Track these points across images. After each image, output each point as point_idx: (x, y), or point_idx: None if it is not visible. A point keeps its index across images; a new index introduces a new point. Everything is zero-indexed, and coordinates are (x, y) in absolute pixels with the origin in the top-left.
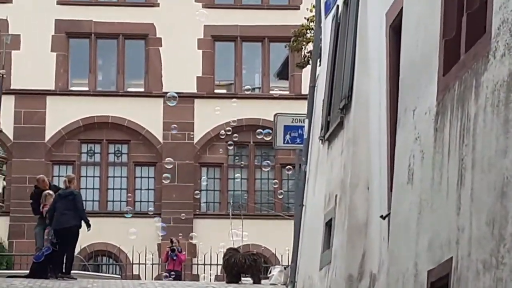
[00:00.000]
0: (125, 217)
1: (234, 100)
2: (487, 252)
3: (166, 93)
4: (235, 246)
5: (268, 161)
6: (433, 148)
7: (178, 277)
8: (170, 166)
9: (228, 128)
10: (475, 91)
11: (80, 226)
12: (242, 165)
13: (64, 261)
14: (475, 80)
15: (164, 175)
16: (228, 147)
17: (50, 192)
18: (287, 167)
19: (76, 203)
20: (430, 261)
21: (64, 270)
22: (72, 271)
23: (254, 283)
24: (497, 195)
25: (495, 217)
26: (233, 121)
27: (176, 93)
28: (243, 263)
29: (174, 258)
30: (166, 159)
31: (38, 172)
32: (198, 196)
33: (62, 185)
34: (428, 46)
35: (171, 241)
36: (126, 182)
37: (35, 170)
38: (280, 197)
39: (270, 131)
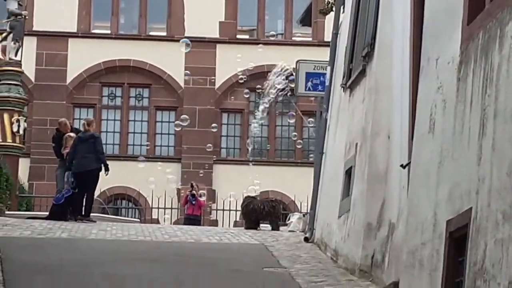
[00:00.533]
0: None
1: (260, 45)
2: (507, 203)
3: (188, 37)
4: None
5: (293, 112)
6: (455, 98)
7: (197, 222)
8: (185, 123)
9: (240, 71)
10: (499, 41)
11: (100, 169)
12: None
13: (84, 204)
14: (499, 29)
15: (176, 122)
16: (245, 95)
17: (71, 134)
18: (309, 120)
19: (96, 146)
20: (450, 211)
21: (83, 213)
22: (91, 214)
23: (272, 229)
24: None
25: None
26: (250, 68)
27: (198, 38)
28: (261, 209)
29: (193, 202)
30: (182, 116)
31: (59, 115)
32: (210, 149)
33: (81, 128)
34: None
35: (191, 186)
36: (146, 126)
37: (56, 113)
38: (299, 147)
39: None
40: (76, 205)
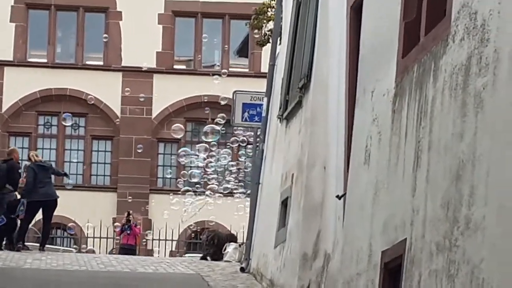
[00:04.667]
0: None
1: (216, 76)
2: (441, 234)
3: (125, 67)
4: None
5: (236, 138)
6: (390, 130)
7: (132, 252)
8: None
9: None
10: (433, 74)
11: None
12: (198, 141)
13: (42, 234)
14: (433, 63)
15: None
16: (187, 123)
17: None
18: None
19: (55, 173)
20: (384, 242)
21: (40, 243)
22: (26, 243)
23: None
24: (453, 178)
25: (450, 199)
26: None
27: (135, 67)
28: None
29: (128, 232)
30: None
31: None
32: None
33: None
34: (388, 27)
35: (128, 214)
36: (82, 155)
37: None
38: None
39: None
40: (20, 234)
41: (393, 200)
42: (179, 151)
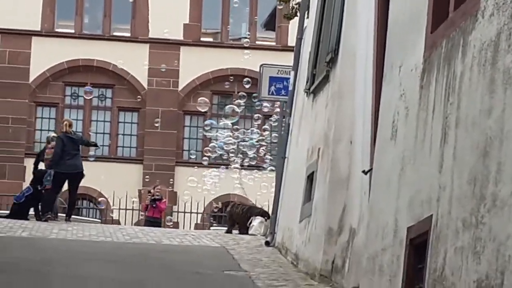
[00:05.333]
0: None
1: (246, 51)
2: (467, 211)
3: (152, 39)
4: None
5: (259, 114)
6: (418, 105)
7: (157, 224)
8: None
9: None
10: (462, 50)
11: None
12: (224, 114)
13: (68, 205)
14: (462, 38)
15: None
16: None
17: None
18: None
19: (81, 144)
20: (410, 218)
21: (66, 214)
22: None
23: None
24: (480, 154)
25: (477, 176)
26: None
27: (162, 39)
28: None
29: (154, 206)
30: None
31: (21, 113)
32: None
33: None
34: (417, 2)
35: (149, 192)
36: (109, 126)
37: (18, 111)
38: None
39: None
40: (48, 204)
41: (420, 176)
42: (205, 123)
